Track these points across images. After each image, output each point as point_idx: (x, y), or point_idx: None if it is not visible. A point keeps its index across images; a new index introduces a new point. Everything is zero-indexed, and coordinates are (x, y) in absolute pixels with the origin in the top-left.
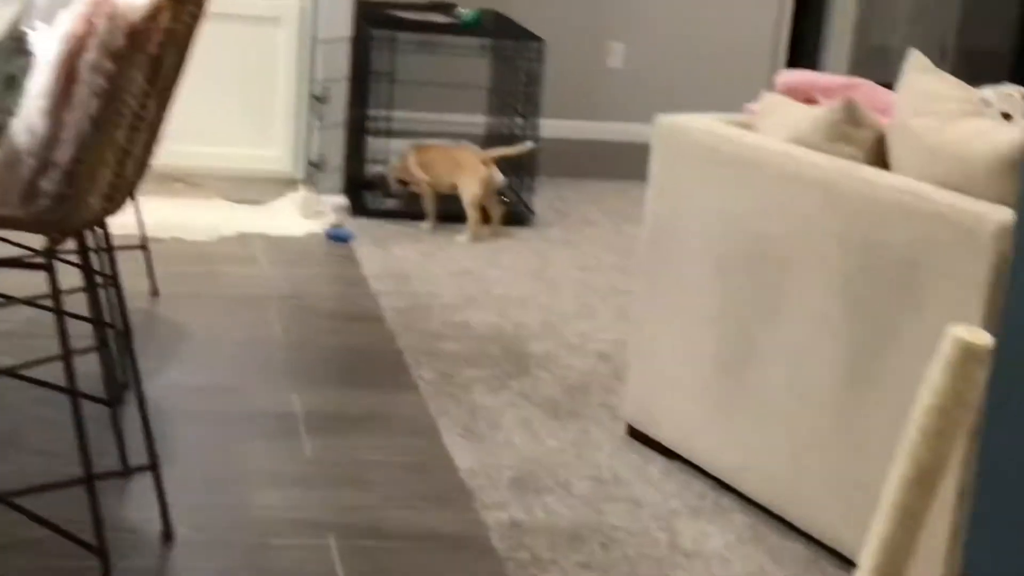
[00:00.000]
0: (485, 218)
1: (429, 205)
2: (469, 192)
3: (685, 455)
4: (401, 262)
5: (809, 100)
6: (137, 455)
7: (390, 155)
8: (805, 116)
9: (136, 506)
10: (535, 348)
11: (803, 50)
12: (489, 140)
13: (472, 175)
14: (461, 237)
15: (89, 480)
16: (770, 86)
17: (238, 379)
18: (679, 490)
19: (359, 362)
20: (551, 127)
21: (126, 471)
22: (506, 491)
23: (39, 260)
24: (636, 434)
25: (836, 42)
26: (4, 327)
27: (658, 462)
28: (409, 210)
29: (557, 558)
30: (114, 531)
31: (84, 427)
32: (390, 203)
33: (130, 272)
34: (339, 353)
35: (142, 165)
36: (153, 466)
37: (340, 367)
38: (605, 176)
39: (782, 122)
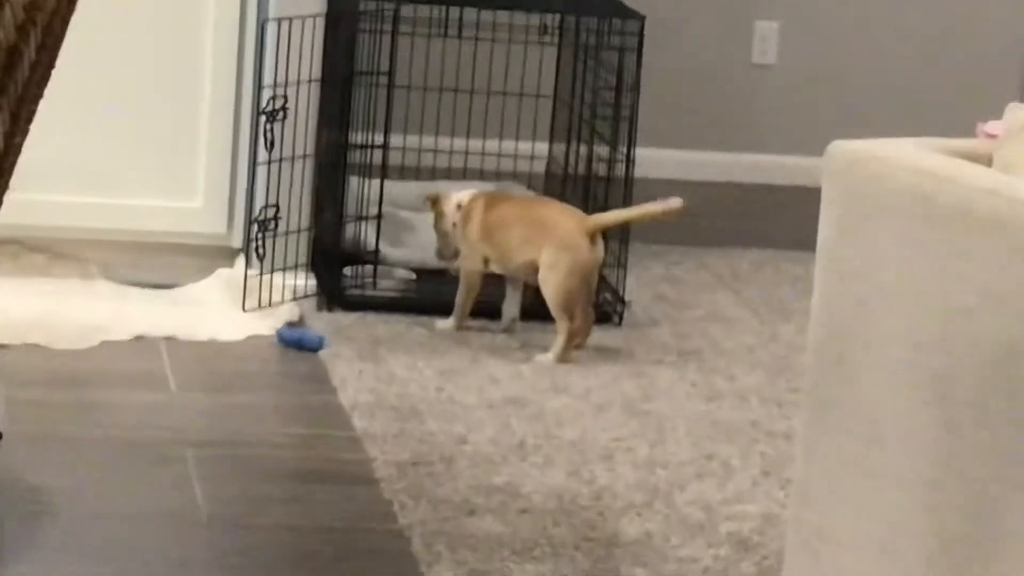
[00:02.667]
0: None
1: (466, 294)
2: (558, 282)
3: None
4: (405, 385)
5: None
6: None
7: (394, 211)
8: None
9: None
10: (629, 529)
11: None
12: (552, 181)
13: (564, 251)
14: (544, 356)
15: None
16: (1022, 94)
17: None
18: None
19: (335, 552)
20: (654, 160)
21: None
22: None
23: None
24: None
25: None
26: None
27: None
28: (417, 299)
29: None
30: None
31: None
32: (387, 284)
33: None
34: (300, 538)
35: None
36: None
37: (302, 561)
38: (743, 242)
39: None
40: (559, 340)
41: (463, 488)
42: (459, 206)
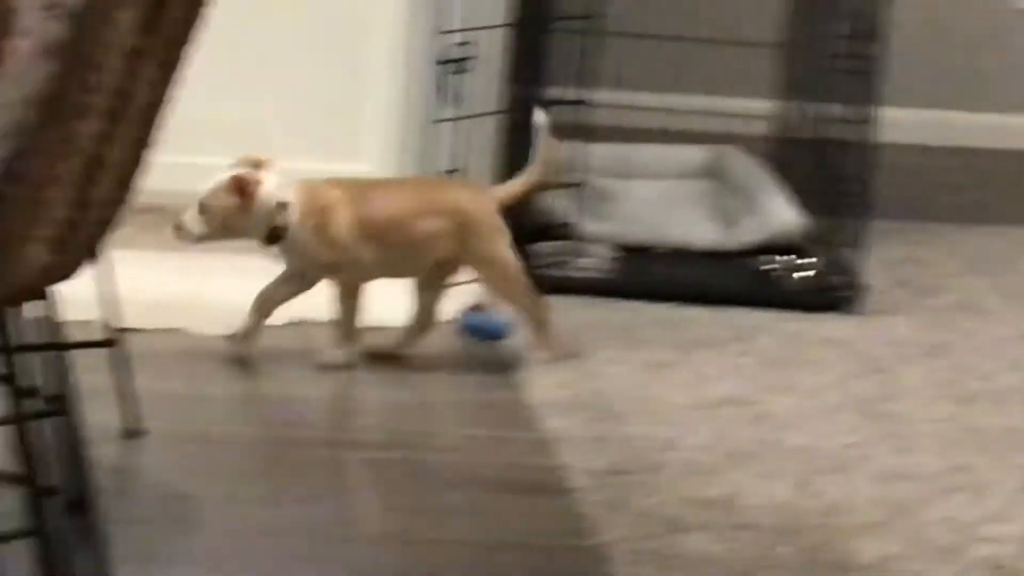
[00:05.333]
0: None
1: (345, 314)
2: (513, 267)
3: None
4: (604, 381)
5: None
6: None
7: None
8: None
9: None
10: (864, 551)
11: None
12: (778, 145)
13: (498, 234)
14: (541, 355)
15: None
16: None
17: None
18: None
19: (524, 572)
20: (900, 122)
21: None
22: None
23: None
24: None
25: None
26: None
27: None
28: (620, 280)
29: None
30: None
31: None
32: (585, 264)
33: (88, 388)
34: (483, 555)
35: (122, 188)
36: None
37: None
38: (1001, 219)
39: None
40: (542, 332)
41: (671, 501)
42: (281, 205)
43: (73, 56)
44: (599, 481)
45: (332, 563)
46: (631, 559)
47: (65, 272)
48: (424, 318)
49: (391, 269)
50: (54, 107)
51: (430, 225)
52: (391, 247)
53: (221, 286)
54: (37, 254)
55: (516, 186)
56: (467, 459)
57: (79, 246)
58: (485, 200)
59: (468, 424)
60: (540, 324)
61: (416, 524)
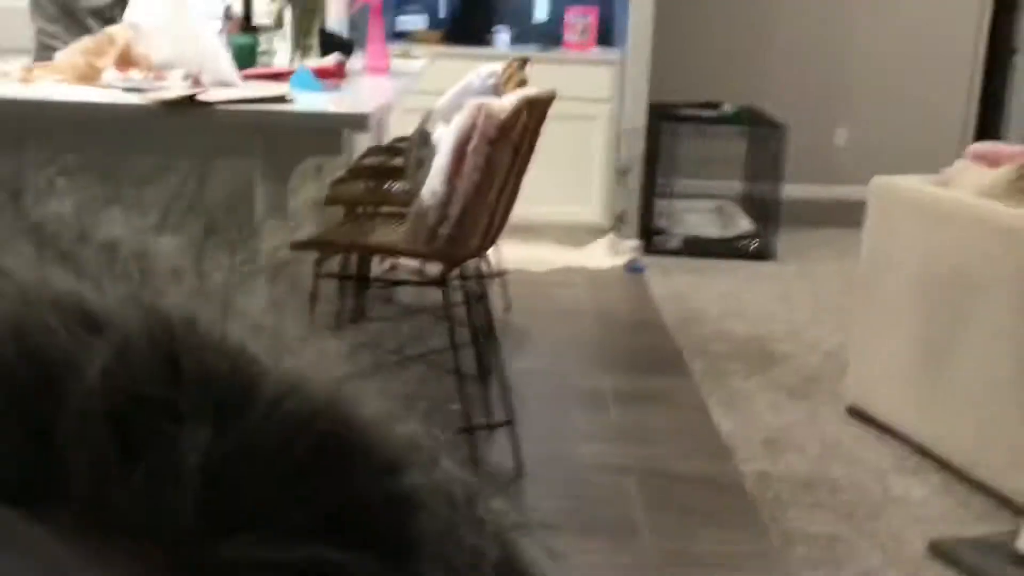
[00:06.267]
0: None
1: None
2: None
3: (894, 428)
4: (680, 286)
5: (995, 165)
6: (498, 415)
7: (674, 211)
8: (990, 176)
9: (497, 450)
10: (779, 349)
11: (990, 125)
12: (744, 201)
13: None
14: None
15: (468, 430)
16: (961, 154)
17: (565, 366)
18: (889, 453)
19: (648, 356)
20: (792, 189)
21: (491, 426)
22: (757, 449)
23: (435, 282)
24: (855, 413)
25: (1017, 120)
26: (408, 329)
27: (872, 433)
28: (689, 248)
29: (795, 500)
30: (482, 468)
31: (465, 396)
32: (673, 243)
33: (492, 293)
34: (634, 349)
35: (504, 217)
36: (509, 422)
37: (635, 359)
38: (834, 224)
39: (972, 181)
40: None
41: (705, 330)
42: None
43: (486, 171)
44: (678, 323)
45: (580, 353)
46: (689, 353)
47: (486, 249)
48: None
49: None
50: (480, 189)
51: None
52: None
53: (539, 253)
54: (475, 243)
55: None
56: (628, 314)
57: (491, 239)
58: None
59: (628, 302)
60: None
61: (609, 338)
